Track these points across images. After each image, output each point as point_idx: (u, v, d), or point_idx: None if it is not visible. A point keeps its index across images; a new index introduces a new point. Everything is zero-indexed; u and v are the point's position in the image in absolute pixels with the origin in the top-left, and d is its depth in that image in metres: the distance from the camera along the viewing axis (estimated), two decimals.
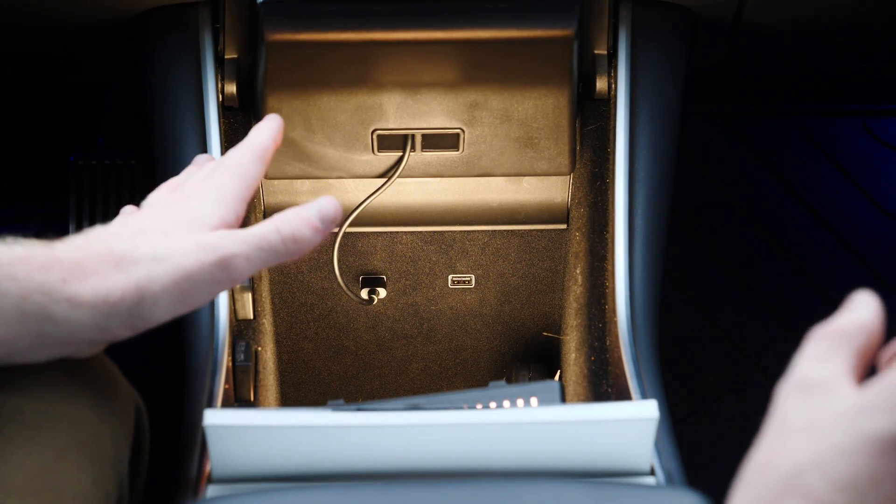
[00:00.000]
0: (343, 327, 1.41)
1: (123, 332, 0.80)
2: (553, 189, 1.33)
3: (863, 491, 0.50)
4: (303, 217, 0.84)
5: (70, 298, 0.78)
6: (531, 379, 1.38)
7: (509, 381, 1.40)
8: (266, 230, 0.83)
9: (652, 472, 0.86)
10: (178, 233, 0.83)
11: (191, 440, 1.01)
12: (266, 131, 0.92)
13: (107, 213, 1.65)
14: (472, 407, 0.90)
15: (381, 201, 1.32)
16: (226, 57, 1.26)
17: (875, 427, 0.51)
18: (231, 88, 1.25)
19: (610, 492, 0.81)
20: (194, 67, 1.25)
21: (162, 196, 0.91)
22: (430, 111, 1.25)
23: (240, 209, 0.87)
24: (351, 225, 1.32)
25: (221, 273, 0.81)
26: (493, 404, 0.91)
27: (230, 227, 0.86)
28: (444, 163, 1.30)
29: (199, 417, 1.01)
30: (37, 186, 1.87)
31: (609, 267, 1.22)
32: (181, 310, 0.81)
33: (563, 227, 1.35)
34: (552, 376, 1.38)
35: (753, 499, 0.52)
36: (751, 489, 0.53)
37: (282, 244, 0.83)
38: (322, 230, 0.85)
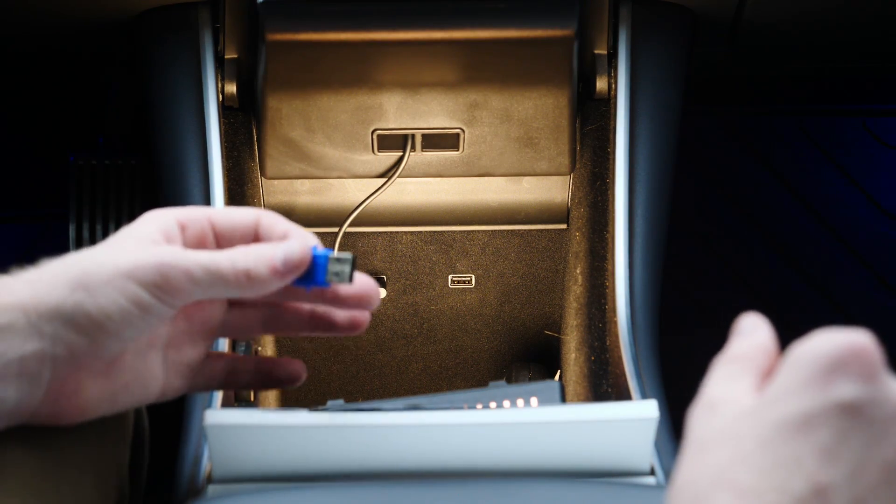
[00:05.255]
0: None
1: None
2: (553, 189, 1.33)
3: (787, 471, 0.52)
4: (263, 254, 0.76)
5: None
6: (531, 379, 1.38)
7: (509, 381, 1.39)
8: (220, 256, 0.75)
9: (652, 472, 0.86)
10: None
11: (191, 440, 1.01)
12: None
13: (107, 213, 1.65)
14: (472, 407, 0.89)
15: (381, 201, 1.32)
16: (226, 57, 1.26)
17: (785, 412, 0.53)
18: (231, 88, 1.25)
19: (610, 492, 0.81)
20: (194, 67, 1.25)
21: None
22: (430, 111, 1.25)
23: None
24: (351, 225, 1.32)
25: (157, 278, 0.73)
26: (493, 404, 0.91)
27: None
28: (444, 163, 1.30)
29: (199, 417, 1.01)
30: (37, 186, 1.87)
31: (609, 267, 1.22)
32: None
33: (563, 227, 1.35)
34: (552, 376, 1.38)
35: None
36: None
37: (232, 274, 0.75)
38: (282, 273, 0.76)
